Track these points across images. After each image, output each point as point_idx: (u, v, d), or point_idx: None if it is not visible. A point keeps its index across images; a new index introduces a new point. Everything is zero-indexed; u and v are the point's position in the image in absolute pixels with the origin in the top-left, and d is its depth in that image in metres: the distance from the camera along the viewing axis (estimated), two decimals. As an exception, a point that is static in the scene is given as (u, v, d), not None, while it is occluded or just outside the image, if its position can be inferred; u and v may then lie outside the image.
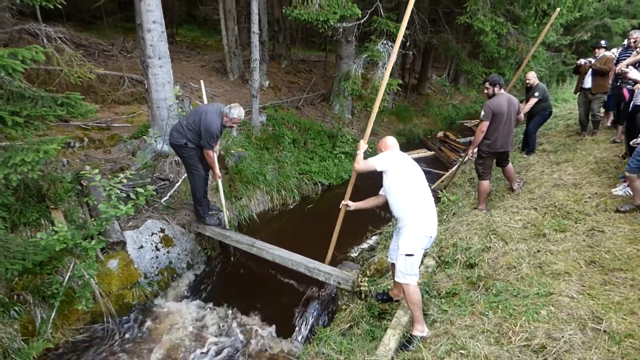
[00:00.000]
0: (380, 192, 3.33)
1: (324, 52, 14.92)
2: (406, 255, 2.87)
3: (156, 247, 4.74)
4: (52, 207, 4.38)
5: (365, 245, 5.57)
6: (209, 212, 5.10)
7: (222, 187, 5.02)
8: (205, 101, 5.11)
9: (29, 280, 3.75)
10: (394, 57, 3.51)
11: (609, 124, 7.06)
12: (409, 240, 2.89)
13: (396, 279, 2.98)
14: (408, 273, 2.88)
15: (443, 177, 7.07)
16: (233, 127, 4.67)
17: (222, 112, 4.46)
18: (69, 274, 3.83)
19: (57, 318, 3.80)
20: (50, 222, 4.24)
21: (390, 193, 3.04)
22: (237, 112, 4.44)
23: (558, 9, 5.64)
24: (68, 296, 3.81)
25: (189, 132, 4.48)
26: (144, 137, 6.01)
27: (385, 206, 3.26)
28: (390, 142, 3.25)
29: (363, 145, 3.38)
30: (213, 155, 4.60)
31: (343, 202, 3.70)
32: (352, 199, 3.69)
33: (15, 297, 3.63)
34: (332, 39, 10.36)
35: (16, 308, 3.55)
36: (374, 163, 3.05)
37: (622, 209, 3.81)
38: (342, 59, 9.94)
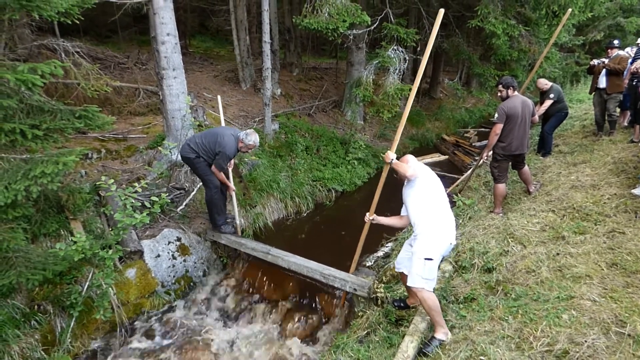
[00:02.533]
0: (403, 213, 3.32)
1: (334, 59, 15.00)
2: (425, 259, 2.84)
3: (173, 255, 4.79)
4: (71, 217, 4.49)
5: (380, 253, 5.52)
6: (226, 221, 5.15)
7: (235, 195, 5.07)
8: (222, 114, 5.19)
9: (49, 290, 3.83)
10: (421, 72, 3.31)
11: (625, 124, 6.91)
12: (428, 244, 2.87)
13: (410, 284, 2.92)
14: (427, 278, 2.85)
15: (458, 181, 7.00)
16: (247, 152, 4.76)
17: (238, 137, 4.56)
18: (87, 283, 3.90)
19: (77, 327, 3.87)
20: (70, 233, 4.32)
21: (414, 199, 3.01)
22: (253, 138, 4.53)
23: (570, 10, 5.57)
24: (87, 305, 3.87)
25: (204, 151, 4.59)
26: (160, 147, 6.12)
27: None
28: (411, 159, 3.24)
29: (391, 154, 3.21)
30: (221, 174, 4.69)
31: (368, 215, 3.58)
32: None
33: (35, 307, 3.71)
34: (342, 46, 10.43)
35: (37, 318, 3.62)
36: (408, 168, 3.01)
37: None
38: (353, 66, 9.98)
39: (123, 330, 4.13)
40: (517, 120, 4.57)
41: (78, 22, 3.70)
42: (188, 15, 14.60)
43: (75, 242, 3.56)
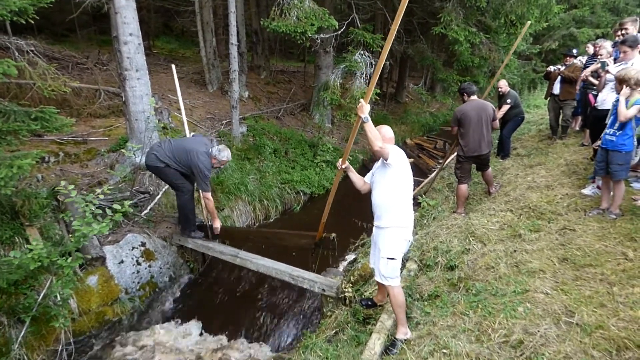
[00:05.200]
0: (366, 180, 3.23)
1: (302, 62, 15.08)
2: (388, 258, 2.91)
3: (137, 261, 4.66)
4: (26, 224, 4.26)
5: (346, 262, 5.55)
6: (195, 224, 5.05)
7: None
8: (185, 119, 5.04)
9: (4, 301, 3.61)
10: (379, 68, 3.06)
11: (577, 128, 7.35)
12: (390, 243, 2.93)
13: (378, 279, 3.02)
14: (390, 276, 2.93)
15: (423, 184, 7.21)
16: (220, 167, 4.62)
17: (210, 153, 4.42)
18: (44, 291, 3.71)
19: (34, 339, 3.68)
20: (25, 240, 4.11)
21: (384, 189, 2.93)
22: (225, 154, 4.45)
23: (529, 22, 5.86)
24: (45, 315, 3.69)
25: (175, 162, 4.43)
26: (122, 150, 5.93)
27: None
28: (390, 134, 3.04)
29: (366, 107, 2.83)
30: (211, 201, 4.55)
31: (340, 161, 3.33)
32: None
33: (-12, 318, 3.51)
34: (310, 49, 10.52)
35: (-11, 330, 3.42)
36: (389, 151, 2.80)
37: (590, 214, 3.97)
38: (321, 69, 10.07)
39: (84, 339, 3.97)
40: (469, 124, 4.78)
41: (32, 20, 3.55)
42: (151, 15, 14.25)
43: (31, 250, 3.38)
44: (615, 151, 3.72)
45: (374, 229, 3.15)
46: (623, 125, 3.64)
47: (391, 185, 2.91)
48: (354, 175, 3.32)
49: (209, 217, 4.90)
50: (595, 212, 3.93)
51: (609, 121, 3.90)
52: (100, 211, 3.81)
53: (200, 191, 4.56)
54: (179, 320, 4.44)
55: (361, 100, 2.86)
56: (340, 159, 3.35)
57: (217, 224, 4.82)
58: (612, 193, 3.89)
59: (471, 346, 2.55)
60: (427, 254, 4.15)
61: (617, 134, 3.69)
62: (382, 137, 2.87)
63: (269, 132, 8.73)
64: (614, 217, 3.79)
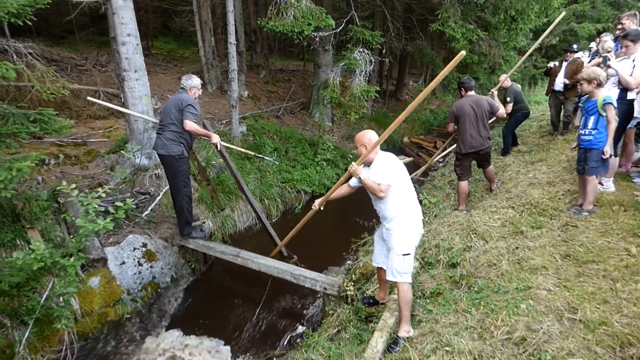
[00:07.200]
0: (351, 184, 3.27)
1: (302, 61, 15.04)
2: (403, 255, 2.91)
3: (139, 262, 4.66)
4: (27, 226, 4.27)
5: (349, 261, 5.54)
6: (193, 227, 5.04)
7: (220, 145, 4.78)
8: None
9: (6, 303, 3.62)
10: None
11: (578, 124, 7.32)
12: (403, 239, 2.93)
13: (392, 279, 3.00)
14: (405, 272, 2.94)
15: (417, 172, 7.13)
16: (199, 95, 4.68)
17: (184, 89, 4.53)
18: (47, 292, 3.72)
19: (37, 340, 3.68)
20: (27, 242, 4.11)
21: (386, 204, 2.96)
22: (193, 78, 4.60)
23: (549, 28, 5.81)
24: (48, 316, 3.69)
25: (183, 132, 4.38)
26: (122, 151, 5.93)
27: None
28: (374, 137, 3.00)
29: (363, 173, 2.97)
30: (195, 125, 4.36)
31: (317, 203, 3.46)
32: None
33: (-10, 320, 3.51)
34: (309, 48, 10.49)
35: (-8, 332, 3.42)
36: (387, 181, 2.86)
37: (571, 212, 3.96)
38: (320, 68, 10.05)
39: (87, 340, 3.97)
40: (465, 119, 4.78)
41: (30, 22, 3.54)
42: (150, 15, 14.22)
43: (33, 251, 3.38)
44: (593, 149, 3.80)
45: (381, 228, 3.16)
46: (596, 124, 3.76)
47: (393, 196, 2.94)
48: (337, 193, 3.39)
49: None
50: (574, 210, 3.97)
51: (581, 123, 3.99)
52: (103, 208, 3.81)
53: (186, 121, 4.30)
54: (182, 323, 4.43)
55: (353, 164, 2.99)
56: (317, 200, 3.46)
57: (215, 139, 4.62)
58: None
59: (474, 343, 2.54)
60: (428, 252, 4.14)
61: (592, 132, 3.79)
62: (368, 141, 2.98)
63: (268, 131, 8.72)
64: (587, 213, 3.83)
